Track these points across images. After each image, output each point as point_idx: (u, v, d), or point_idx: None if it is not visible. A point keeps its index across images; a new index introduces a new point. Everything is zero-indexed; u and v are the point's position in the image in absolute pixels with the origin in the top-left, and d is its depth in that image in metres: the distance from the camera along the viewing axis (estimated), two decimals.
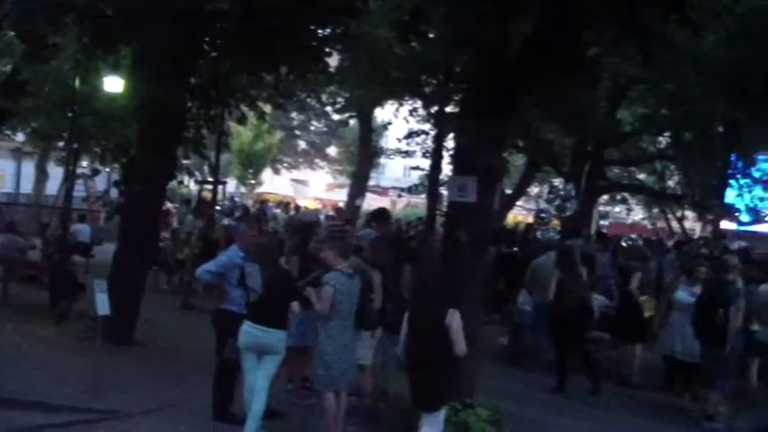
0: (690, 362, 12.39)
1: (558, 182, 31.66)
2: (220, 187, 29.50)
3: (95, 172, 28.57)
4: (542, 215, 24.39)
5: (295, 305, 8.88)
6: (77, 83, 19.57)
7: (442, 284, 8.42)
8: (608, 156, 27.57)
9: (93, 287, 10.49)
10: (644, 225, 46.07)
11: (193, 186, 35.83)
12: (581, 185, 24.93)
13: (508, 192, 27.51)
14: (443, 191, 19.16)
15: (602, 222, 33.55)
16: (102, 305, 10.16)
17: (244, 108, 18.31)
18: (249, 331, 8.66)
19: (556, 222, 26.02)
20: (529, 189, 34.23)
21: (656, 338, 14.28)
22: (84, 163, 29.28)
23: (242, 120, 19.27)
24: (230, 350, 8.98)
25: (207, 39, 14.45)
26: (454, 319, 7.89)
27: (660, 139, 29.80)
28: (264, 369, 8.70)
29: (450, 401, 8.53)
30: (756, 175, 27.43)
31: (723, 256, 14.90)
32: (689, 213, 36.67)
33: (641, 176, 36.00)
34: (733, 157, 25.17)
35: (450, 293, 8.53)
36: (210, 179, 27.18)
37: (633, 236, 30.18)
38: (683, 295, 12.94)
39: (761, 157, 26.77)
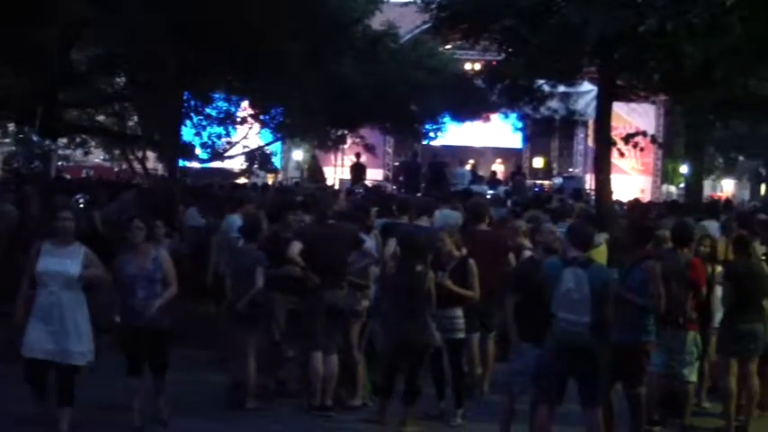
0: None
1: (11, 126, 30.17)
2: None
3: None
4: None
5: None
6: None
7: None
8: (64, 98, 26.87)
9: None
10: (107, 167, 45.72)
11: None
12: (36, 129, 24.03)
13: None
14: None
15: (60, 164, 32.66)
16: None
17: None
18: None
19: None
20: None
21: None
22: None
23: None
24: None
25: None
26: None
27: (118, 79, 29.76)
28: None
29: None
30: (212, 113, 28.84)
31: None
32: (150, 154, 37.21)
33: (101, 118, 35.65)
34: (187, 96, 26.00)
35: None
36: None
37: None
38: None
39: (216, 95, 28.05)
